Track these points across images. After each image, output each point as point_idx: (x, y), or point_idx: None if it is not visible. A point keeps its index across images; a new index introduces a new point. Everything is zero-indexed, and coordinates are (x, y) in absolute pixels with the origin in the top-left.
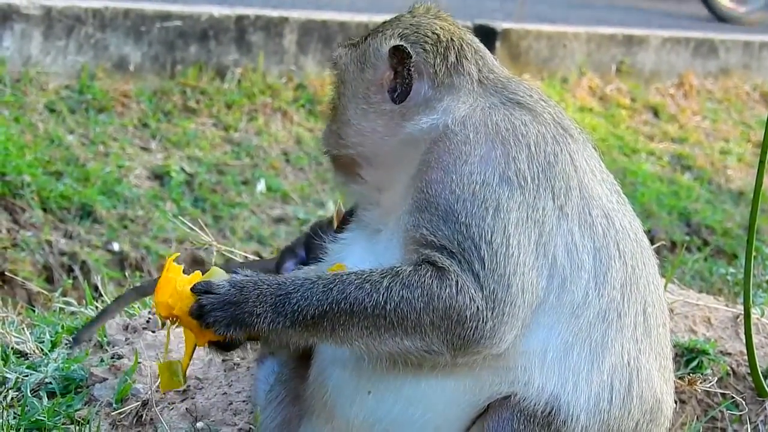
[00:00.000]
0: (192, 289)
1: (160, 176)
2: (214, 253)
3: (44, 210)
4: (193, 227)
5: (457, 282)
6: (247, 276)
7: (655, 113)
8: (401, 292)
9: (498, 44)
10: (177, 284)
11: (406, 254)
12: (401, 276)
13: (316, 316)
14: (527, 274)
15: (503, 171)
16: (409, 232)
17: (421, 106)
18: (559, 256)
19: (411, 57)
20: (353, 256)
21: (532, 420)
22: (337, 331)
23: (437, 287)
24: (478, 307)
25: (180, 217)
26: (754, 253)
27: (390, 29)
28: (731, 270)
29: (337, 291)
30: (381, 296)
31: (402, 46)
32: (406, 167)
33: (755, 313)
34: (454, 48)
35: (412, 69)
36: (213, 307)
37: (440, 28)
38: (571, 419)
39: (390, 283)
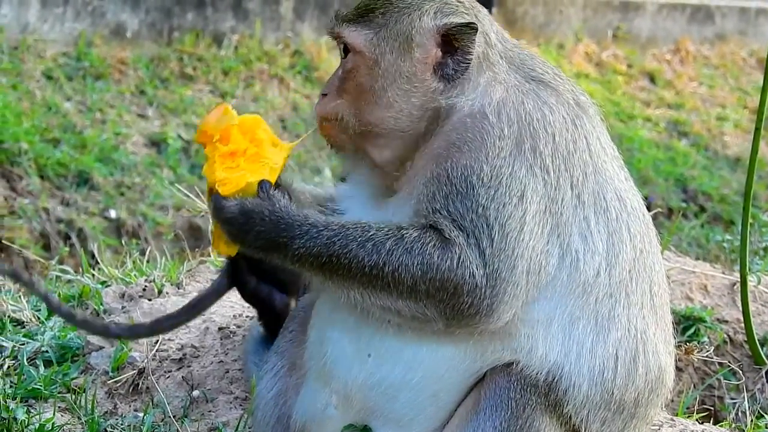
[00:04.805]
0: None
1: (156, 143)
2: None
3: (41, 177)
4: (189, 194)
5: (459, 255)
6: (258, 203)
7: (652, 79)
8: (402, 257)
9: (494, 10)
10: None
11: (415, 218)
12: (405, 240)
13: (315, 265)
14: (535, 258)
15: (531, 165)
16: (422, 203)
17: (465, 82)
18: (574, 243)
19: (475, 31)
20: (356, 210)
21: (531, 388)
22: (335, 279)
23: (438, 257)
24: (477, 283)
25: (176, 185)
26: (750, 220)
27: (424, 3)
28: (728, 237)
29: (340, 245)
30: (381, 258)
31: (473, 24)
32: (427, 139)
33: (752, 280)
34: (480, 18)
35: (471, 46)
36: (224, 217)
37: None
38: (573, 387)
39: (393, 246)
